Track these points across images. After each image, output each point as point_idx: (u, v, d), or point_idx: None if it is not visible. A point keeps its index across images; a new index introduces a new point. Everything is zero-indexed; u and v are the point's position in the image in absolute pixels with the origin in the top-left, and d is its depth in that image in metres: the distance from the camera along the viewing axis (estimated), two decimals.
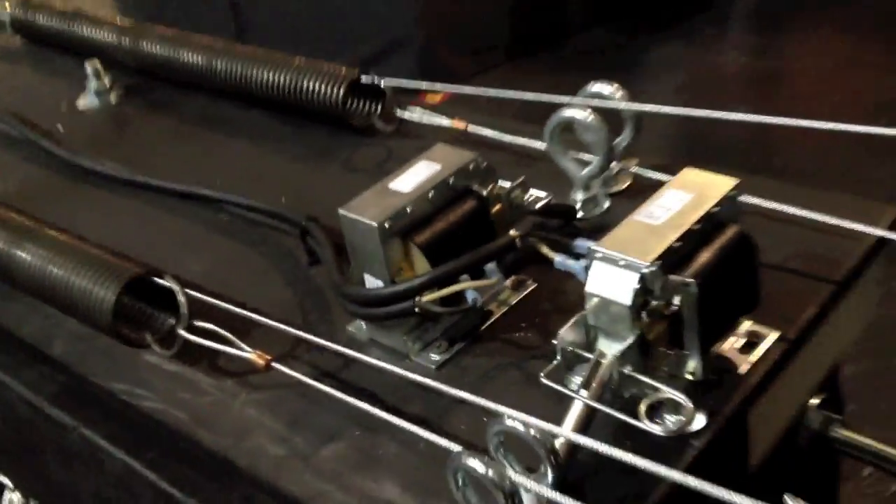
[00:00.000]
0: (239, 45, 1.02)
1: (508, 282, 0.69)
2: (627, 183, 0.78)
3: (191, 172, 0.91)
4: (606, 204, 0.75)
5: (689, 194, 0.58)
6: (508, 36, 3.13)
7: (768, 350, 0.61)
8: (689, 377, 0.58)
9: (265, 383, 0.66)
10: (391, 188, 0.65)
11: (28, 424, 0.79)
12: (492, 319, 0.67)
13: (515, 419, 0.50)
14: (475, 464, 0.49)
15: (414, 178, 0.66)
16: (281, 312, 0.70)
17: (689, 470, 0.48)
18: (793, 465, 0.73)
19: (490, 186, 0.68)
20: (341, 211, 0.64)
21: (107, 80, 1.08)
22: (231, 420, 0.65)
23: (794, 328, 0.62)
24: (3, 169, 0.99)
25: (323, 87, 0.91)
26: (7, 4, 1.31)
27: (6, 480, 0.92)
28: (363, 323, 0.68)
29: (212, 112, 1.02)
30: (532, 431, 0.49)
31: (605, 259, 0.55)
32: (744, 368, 0.60)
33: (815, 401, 0.75)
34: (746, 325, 0.62)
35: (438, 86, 0.86)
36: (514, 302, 0.69)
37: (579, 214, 0.75)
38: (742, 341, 0.61)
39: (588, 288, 0.56)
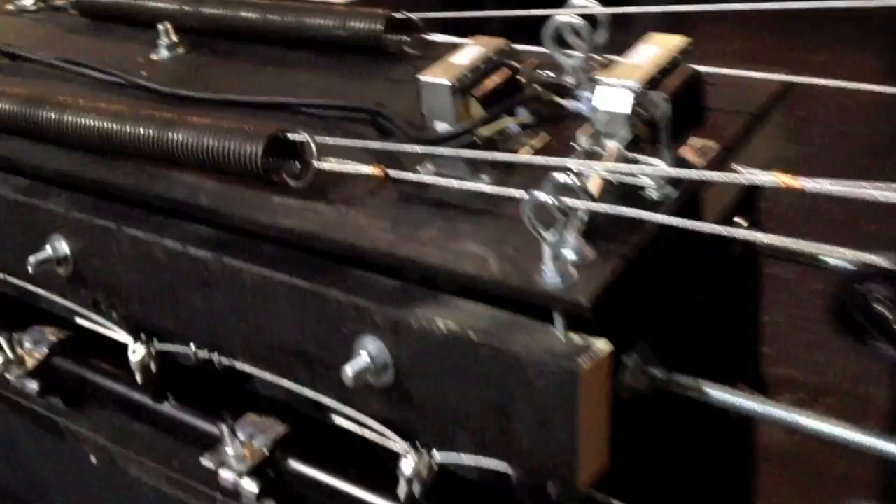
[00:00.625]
0: (284, 1, 1.31)
1: (530, 134, 0.99)
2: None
3: (263, 94, 1.19)
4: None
5: (657, 47, 0.89)
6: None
7: (712, 154, 0.92)
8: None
9: (369, 202, 0.95)
10: (452, 62, 0.95)
11: (171, 271, 1.05)
12: (524, 157, 0.97)
13: (563, 172, 0.80)
14: (542, 195, 0.78)
15: (467, 55, 0.96)
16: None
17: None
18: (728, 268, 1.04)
19: (516, 63, 0.98)
20: (420, 76, 0.94)
21: (175, 38, 1.36)
22: (350, 225, 0.93)
23: (728, 140, 0.93)
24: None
25: (365, 24, 1.20)
26: None
27: (128, 337, 1.19)
28: (430, 164, 0.97)
29: (269, 55, 1.30)
30: (574, 178, 0.79)
31: (609, 85, 0.86)
32: (698, 164, 0.91)
33: (743, 222, 1.06)
34: (697, 140, 0.93)
35: (461, 14, 1.16)
36: (537, 146, 0.99)
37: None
38: (695, 150, 0.92)
39: (597, 105, 0.86)
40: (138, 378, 1.19)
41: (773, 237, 0.74)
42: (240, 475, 1.11)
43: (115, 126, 1.07)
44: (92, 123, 1.09)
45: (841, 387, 2.21)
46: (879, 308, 0.67)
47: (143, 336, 1.18)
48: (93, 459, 1.35)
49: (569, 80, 1.05)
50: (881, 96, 0.93)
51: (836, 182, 0.66)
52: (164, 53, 1.36)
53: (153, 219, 1.06)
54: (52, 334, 1.37)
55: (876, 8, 0.98)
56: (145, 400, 1.32)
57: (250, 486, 1.07)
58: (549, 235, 0.79)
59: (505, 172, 0.95)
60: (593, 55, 1.05)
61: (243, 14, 1.31)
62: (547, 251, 0.80)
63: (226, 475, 1.12)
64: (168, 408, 1.30)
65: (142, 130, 1.04)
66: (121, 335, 1.20)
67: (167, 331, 1.14)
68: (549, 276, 0.80)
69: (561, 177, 0.79)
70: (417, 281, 0.91)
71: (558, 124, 1.00)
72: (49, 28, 1.56)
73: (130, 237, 1.07)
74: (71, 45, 1.48)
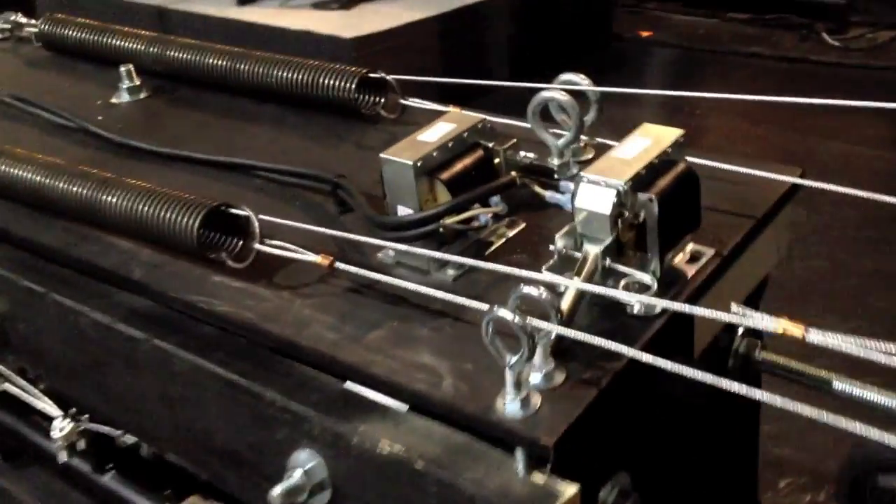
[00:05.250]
0: (256, 51, 1.20)
1: (505, 221, 0.88)
2: (591, 153, 0.98)
3: (221, 151, 1.08)
4: (576, 169, 0.95)
5: (647, 139, 0.78)
6: (439, 86, 3.37)
7: (707, 262, 0.80)
8: (651, 276, 0.77)
9: (316, 292, 0.84)
10: (419, 139, 0.84)
11: (97, 345, 0.94)
12: (494, 247, 0.86)
13: (533, 285, 0.68)
14: (505, 313, 0.67)
15: (436, 133, 0.85)
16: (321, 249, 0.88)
17: (651, 343, 0.67)
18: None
19: (493, 142, 0.87)
20: (383, 155, 0.83)
21: (138, 80, 1.25)
22: (292, 317, 0.82)
23: (727, 248, 0.82)
24: (55, 151, 1.13)
25: (337, 81, 1.09)
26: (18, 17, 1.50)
27: (56, 410, 1.07)
28: (391, 251, 0.86)
29: (232, 106, 1.20)
30: (544, 293, 0.68)
31: (591, 181, 0.74)
32: (690, 274, 0.79)
33: (741, 330, 0.95)
34: (691, 246, 0.81)
35: (435, 80, 1.05)
36: (511, 235, 0.87)
37: (555, 176, 0.94)
38: (688, 257, 0.81)
39: (577, 203, 0.75)
40: (62, 456, 1.08)
41: (769, 395, 0.62)
42: None
43: (46, 181, 0.96)
44: (23, 176, 0.98)
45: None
46: None
47: (72, 411, 1.07)
48: None
49: (553, 161, 0.95)
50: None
51: (839, 337, 0.55)
52: (124, 97, 1.25)
53: (83, 283, 0.95)
54: None
55: None
56: (85, 469, 1.22)
57: None
58: (511, 359, 0.68)
59: (472, 267, 0.83)
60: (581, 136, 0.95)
61: (210, 61, 1.20)
62: (509, 376, 0.68)
63: None
64: (108, 480, 1.19)
65: (74, 189, 0.93)
66: (48, 407, 1.09)
67: (94, 409, 1.03)
68: (509, 403, 0.69)
69: (529, 290, 0.68)
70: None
71: (537, 212, 0.89)
72: (11, 60, 1.46)
73: (57, 304, 0.96)
74: (31, 80, 1.38)
